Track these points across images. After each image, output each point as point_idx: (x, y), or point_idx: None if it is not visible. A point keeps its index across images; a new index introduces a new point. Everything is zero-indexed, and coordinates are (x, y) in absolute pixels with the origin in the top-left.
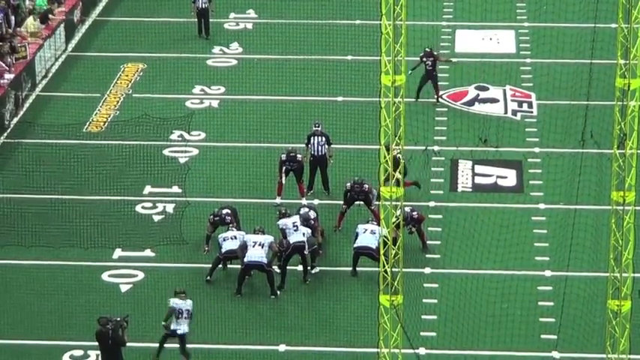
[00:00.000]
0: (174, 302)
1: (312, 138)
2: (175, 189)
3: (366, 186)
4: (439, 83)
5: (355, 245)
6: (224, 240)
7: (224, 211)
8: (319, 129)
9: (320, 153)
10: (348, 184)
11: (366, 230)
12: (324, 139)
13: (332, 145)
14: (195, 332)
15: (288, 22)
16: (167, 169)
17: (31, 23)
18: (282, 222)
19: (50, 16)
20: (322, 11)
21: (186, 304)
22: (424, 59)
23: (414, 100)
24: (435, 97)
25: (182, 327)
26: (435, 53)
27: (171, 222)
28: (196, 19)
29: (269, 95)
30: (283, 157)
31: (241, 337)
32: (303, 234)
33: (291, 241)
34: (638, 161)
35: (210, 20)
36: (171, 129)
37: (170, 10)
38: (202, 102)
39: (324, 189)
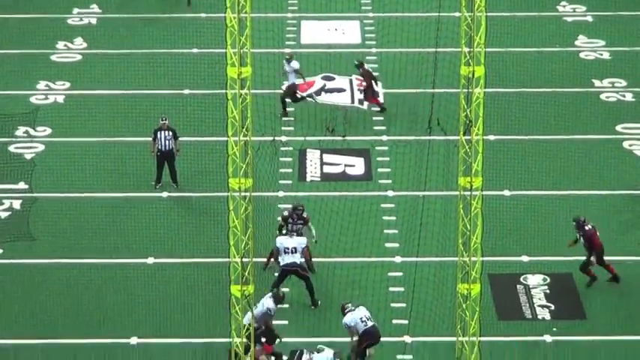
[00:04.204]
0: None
1: (158, 132)
2: (22, 185)
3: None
4: None
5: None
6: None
7: None
8: (166, 122)
9: (167, 147)
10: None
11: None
12: (170, 133)
13: (179, 139)
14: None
15: (132, 16)
16: (13, 166)
17: None
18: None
19: None
20: (166, 5)
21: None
22: None
23: None
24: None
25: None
26: None
27: (18, 218)
28: None
29: (115, 90)
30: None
31: None
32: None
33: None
34: (484, 147)
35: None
36: (16, 125)
37: (10, 6)
38: (47, 97)
39: (173, 182)
